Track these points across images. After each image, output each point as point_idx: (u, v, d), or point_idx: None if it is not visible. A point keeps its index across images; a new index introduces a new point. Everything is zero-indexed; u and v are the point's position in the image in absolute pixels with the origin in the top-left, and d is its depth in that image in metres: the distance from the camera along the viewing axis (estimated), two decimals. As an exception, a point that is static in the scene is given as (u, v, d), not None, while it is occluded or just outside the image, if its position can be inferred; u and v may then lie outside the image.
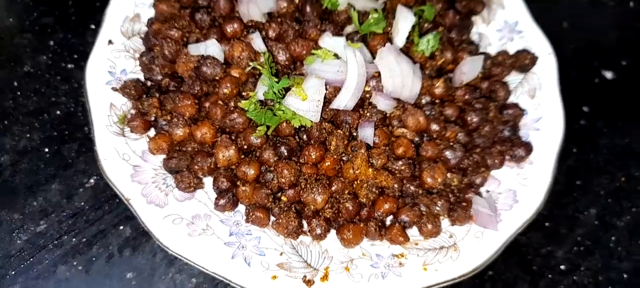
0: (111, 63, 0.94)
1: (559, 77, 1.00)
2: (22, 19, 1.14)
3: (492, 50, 1.04)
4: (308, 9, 0.90)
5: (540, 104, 0.97)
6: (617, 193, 1.02)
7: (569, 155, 1.05)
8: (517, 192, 0.88)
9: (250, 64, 0.85)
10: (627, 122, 1.11)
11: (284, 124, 0.83)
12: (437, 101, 0.91)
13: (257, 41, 0.88)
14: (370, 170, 0.81)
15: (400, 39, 0.87)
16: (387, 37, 0.89)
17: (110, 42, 0.95)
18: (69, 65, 1.09)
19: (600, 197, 1.02)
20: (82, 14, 1.15)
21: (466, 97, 0.91)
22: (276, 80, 0.83)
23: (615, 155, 1.07)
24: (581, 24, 1.27)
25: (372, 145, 0.83)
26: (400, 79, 0.83)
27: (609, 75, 1.18)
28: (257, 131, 0.81)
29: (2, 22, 1.14)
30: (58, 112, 1.03)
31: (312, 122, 0.82)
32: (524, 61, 0.99)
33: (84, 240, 0.90)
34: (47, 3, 1.17)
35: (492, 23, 1.07)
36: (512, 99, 0.99)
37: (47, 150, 0.99)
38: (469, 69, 0.90)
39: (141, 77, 0.95)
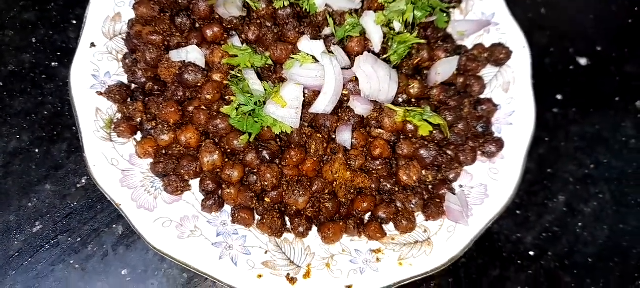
0: (95, 66, 0.95)
1: (532, 70, 1.03)
2: (3, 16, 1.14)
3: (468, 43, 1.07)
4: (288, 11, 0.92)
5: (514, 98, 1.00)
6: (585, 180, 1.08)
7: (541, 144, 1.10)
8: (488, 186, 0.93)
9: (231, 72, 0.87)
10: (598, 110, 1.16)
11: (266, 129, 0.87)
12: (413, 100, 0.95)
13: (235, 43, 0.90)
14: (348, 173, 0.85)
15: (375, 44, 0.90)
16: (364, 39, 0.91)
17: (92, 44, 0.96)
18: (53, 63, 1.10)
19: (569, 184, 1.08)
20: (63, 9, 1.15)
21: (441, 96, 0.94)
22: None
23: (585, 143, 1.12)
24: (559, 9, 1.29)
25: (350, 148, 0.87)
26: (378, 84, 0.86)
27: (583, 61, 1.21)
28: (240, 139, 0.84)
29: (-18, 18, 1.14)
30: (45, 112, 1.05)
31: (291, 128, 0.85)
32: (499, 55, 1.02)
33: (79, 239, 0.95)
34: (27, -2, 1.16)
35: (469, 14, 1.09)
36: (486, 93, 1.02)
37: (37, 151, 1.02)
38: (443, 69, 0.93)
39: (125, 79, 0.97)
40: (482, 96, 1.01)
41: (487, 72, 1.04)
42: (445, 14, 0.99)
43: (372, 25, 0.89)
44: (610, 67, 1.21)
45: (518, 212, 1.03)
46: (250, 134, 0.85)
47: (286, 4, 0.90)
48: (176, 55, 0.90)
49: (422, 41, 0.93)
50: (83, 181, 1.00)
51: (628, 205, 1.05)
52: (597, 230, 1.04)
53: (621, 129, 1.14)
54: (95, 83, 0.94)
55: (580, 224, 1.04)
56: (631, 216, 1.04)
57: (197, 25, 0.94)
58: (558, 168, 1.09)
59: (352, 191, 0.87)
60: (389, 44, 0.92)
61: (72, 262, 0.94)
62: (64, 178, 1.00)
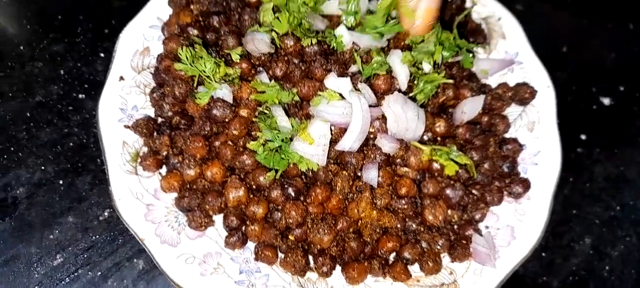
0: (123, 99, 0.97)
1: (557, 109, 1.03)
2: (33, 47, 1.17)
3: (492, 81, 1.07)
4: (315, 48, 0.93)
5: (539, 138, 1.00)
6: (611, 222, 1.06)
7: (565, 184, 1.09)
8: (515, 228, 0.91)
9: (258, 108, 0.88)
10: (622, 150, 1.15)
11: (291, 165, 0.87)
12: (439, 138, 0.94)
13: (263, 79, 0.91)
14: (374, 212, 0.84)
15: (402, 83, 0.90)
16: (390, 77, 0.92)
17: (121, 78, 0.98)
18: (80, 95, 1.12)
19: (594, 226, 1.06)
20: (92, 42, 1.18)
21: (467, 135, 0.94)
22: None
23: (610, 184, 1.10)
24: (580, 47, 1.29)
25: (376, 186, 0.87)
26: (405, 123, 0.86)
27: (606, 101, 1.21)
28: (266, 176, 0.84)
29: (13, 50, 1.16)
30: (71, 144, 1.06)
31: (318, 165, 0.85)
32: (523, 94, 1.02)
33: (99, 273, 0.94)
34: (56, 30, 1.19)
35: (493, 53, 1.10)
36: (511, 132, 1.02)
37: (61, 182, 1.02)
38: (469, 108, 0.93)
39: (152, 113, 0.98)
40: (507, 135, 1.01)
41: (512, 111, 1.04)
42: (470, 55, 0.99)
43: (398, 63, 0.90)
44: (633, 107, 1.21)
45: (544, 254, 1.01)
46: (276, 171, 0.85)
47: (314, 41, 0.91)
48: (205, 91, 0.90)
49: (450, 81, 0.93)
50: (106, 214, 1.00)
51: (657, 249, 1.03)
52: (625, 274, 1.01)
53: (647, 169, 1.13)
54: (122, 116, 0.95)
55: (607, 268, 1.02)
56: (660, 260, 1.02)
57: (226, 62, 0.95)
58: (583, 209, 1.07)
59: (377, 230, 0.86)
60: (415, 82, 0.93)
61: (92, 296, 0.93)
62: (87, 210, 1.00)
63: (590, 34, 1.32)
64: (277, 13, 0.91)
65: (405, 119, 0.86)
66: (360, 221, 0.87)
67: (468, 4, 1.12)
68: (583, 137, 1.15)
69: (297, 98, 0.90)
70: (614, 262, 1.02)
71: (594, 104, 1.20)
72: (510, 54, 1.09)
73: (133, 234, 0.86)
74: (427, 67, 0.93)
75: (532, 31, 1.28)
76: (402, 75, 0.90)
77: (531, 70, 1.06)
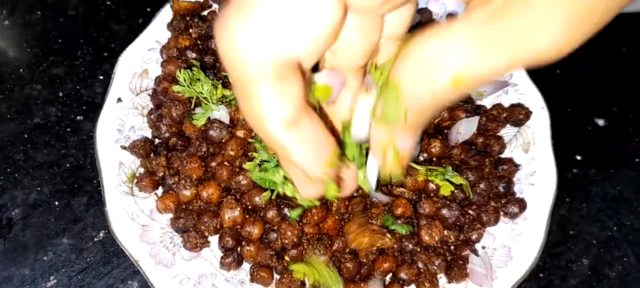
0: (120, 121, 0.97)
1: (552, 130, 1.04)
2: (32, 70, 1.18)
3: (487, 103, 1.08)
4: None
5: (534, 158, 1.00)
6: (608, 243, 1.06)
7: (562, 205, 1.09)
8: (512, 248, 0.91)
9: (255, 128, 0.88)
10: (618, 170, 1.15)
11: (287, 186, 0.87)
12: (434, 159, 0.95)
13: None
14: (365, 239, 0.84)
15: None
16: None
17: (119, 100, 0.99)
18: (79, 117, 1.12)
19: (592, 247, 1.05)
20: (91, 65, 1.19)
21: (462, 156, 0.94)
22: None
23: (607, 204, 1.10)
24: (574, 70, 1.31)
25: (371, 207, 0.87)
26: (399, 143, 0.86)
27: (601, 122, 1.22)
28: (262, 196, 0.84)
29: (13, 72, 1.17)
30: (67, 165, 1.06)
31: (314, 185, 0.85)
32: (518, 116, 1.03)
33: (93, 295, 0.93)
34: (56, 54, 1.20)
35: (487, 75, 1.11)
36: (506, 153, 1.03)
37: (57, 203, 1.02)
38: (464, 129, 0.94)
39: (149, 133, 0.98)
40: (502, 156, 1.01)
41: (507, 132, 1.04)
42: None
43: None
44: (628, 128, 1.21)
45: (541, 274, 1.01)
46: (272, 191, 0.85)
47: (310, 64, 0.93)
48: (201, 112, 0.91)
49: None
50: (101, 235, 0.99)
51: (655, 270, 1.03)
52: (624, 296, 1.00)
53: (643, 190, 1.13)
54: (119, 137, 0.96)
55: (606, 289, 1.01)
56: (659, 281, 1.01)
57: (223, 84, 0.97)
58: (580, 230, 1.07)
59: (373, 251, 0.86)
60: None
61: (85, 318, 0.92)
62: (82, 231, 1.00)
63: (584, 57, 1.34)
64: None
65: (400, 139, 0.86)
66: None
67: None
68: (578, 157, 1.16)
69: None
70: (612, 282, 1.01)
71: (589, 125, 1.21)
72: (505, 75, 1.10)
73: (128, 255, 0.86)
74: None
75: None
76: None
77: (525, 91, 1.07)
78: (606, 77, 1.30)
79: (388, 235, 0.84)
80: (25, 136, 1.09)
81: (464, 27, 0.38)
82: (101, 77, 1.18)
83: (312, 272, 0.81)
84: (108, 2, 1.30)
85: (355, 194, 0.88)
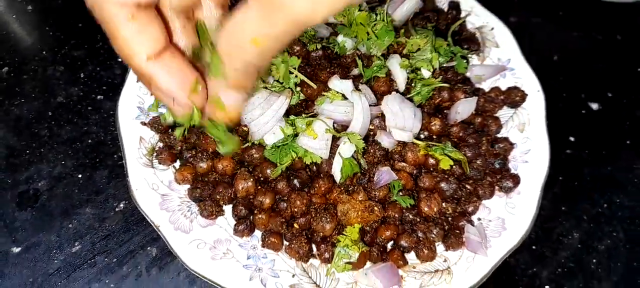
0: (140, 99, 1.04)
1: (547, 111, 1.09)
2: (55, 52, 1.25)
3: (486, 86, 1.14)
4: (319, 53, 1.00)
5: (529, 138, 1.06)
6: (598, 219, 1.12)
7: (555, 183, 1.15)
8: (506, 220, 0.97)
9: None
10: (609, 152, 1.21)
11: (297, 159, 0.93)
12: (434, 136, 1.01)
13: (271, 81, 0.99)
14: (353, 215, 0.90)
15: (400, 85, 0.97)
16: (389, 79, 0.99)
17: (138, 79, 1.05)
18: (99, 97, 1.19)
19: (583, 222, 1.11)
20: (110, 48, 1.24)
21: (460, 133, 1.00)
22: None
23: (598, 183, 1.16)
24: (571, 57, 1.36)
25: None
26: (403, 121, 0.92)
27: (594, 106, 1.27)
28: (274, 170, 0.91)
29: (36, 54, 1.24)
30: (89, 141, 1.13)
31: (321, 158, 0.92)
32: (514, 98, 1.09)
33: (115, 260, 1.00)
34: (77, 37, 1.27)
35: (487, 60, 1.17)
36: (503, 133, 1.09)
37: (80, 176, 1.09)
38: (463, 109, 1.00)
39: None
40: (499, 135, 1.07)
41: (504, 113, 1.11)
42: (464, 60, 1.06)
43: (397, 68, 0.97)
44: (620, 112, 1.27)
45: (534, 247, 1.07)
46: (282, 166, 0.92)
47: (318, 47, 0.99)
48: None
49: (446, 85, 1.00)
50: (121, 205, 1.06)
51: (642, 244, 1.09)
52: (611, 267, 1.06)
53: (633, 170, 1.18)
54: (140, 114, 1.02)
55: (594, 261, 1.07)
56: (645, 255, 1.07)
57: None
58: (572, 206, 1.13)
59: (377, 220, 0.92)
60: (413, 84, 1.00)
61: (107, 281, 0.99)
62: (104, 202, 1.07)
63: (580, 45, 1.39)
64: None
65: (402, 117, 0.93)
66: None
67: (462, 14, 1.20)
68: (572, 139, 1.22)
69: (303, 97, 0.97)
70: (601, 255, 1.07)
71: (583, 109, 1.27)
72: (503, 60, 1.16)
73: (149, 222, 0.93)
74: (426, 73, 1.00)
75: (525, 41, 1.36)
76: (400, 78, 0.97)
77: (522, 75, 1.13)
78: (602, 63, 1.36)
79: (376, 209, 0.90)
80: (50, 114, 1.16)
81: (254, 2, 0.53)
82: (120, 60, 1.24)
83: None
84: (125, -11, 1.36)
85: (356, 172, 0.94)
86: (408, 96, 0.99)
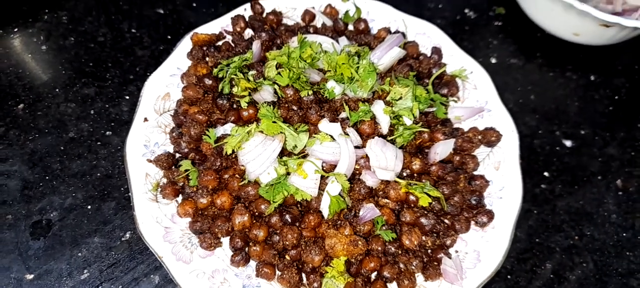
0: (146, 138, 1.13)
1: (522, 149, 1.19)
2: (67, 90, 1.34)
3: (465, 125, 1.24)
4: (311, 97, 1.10)
5: (503, 175, 1.15)
6: (570, 250, 1.20)
7: (530, 216, 1.24)
8: (481, 252, 1.06)
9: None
10: (581, 186, 1.30)
11: (289, 196, 1.02)
12: (415, 175, 1.10)
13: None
14: (340, 247, 0.98)
15: (384, 128, 1.07)
16: (374, 122, 1.08)
17: (145, 119, 1.15)
18: (108, 132, 1.28)
19: (555, 253, 1.20)
20: (118, 86, 1.36)
21: (439, 172, 1.10)
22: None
23: (570, 216, 1.25)
24: (547, 96, 1.46)
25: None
26: (385, 162, 1.02)
27: (568, 143, 1.37)
28: (268, 206, 1.00)
29: (49, 92, 1.34)
30: (98, 174, 1.22)
31: (311, 196, 1.01)
32: (490, 138, 1.18)
33: (121, 287, 1.09)
34: (88, 76, 1.37)
35: (466, 101, 1.27)
36: (480, 170, 1.18)
37: (89, 207, 1.18)
38: (441, 150, 1.09)
39: (171, 149, 1.14)
40: (475, 173, 1.17)
41: (481, 152, 1.20)
42: (443, 106, 1.16)
43: (381, 112, 1.07)
44: (593, 149, 1.36)
45: (509, 277, 1.15)
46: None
47: (310, 92, 1.09)
48: (218, 130, 1.07)
49: (425, 130, 1.10)
50: (127, 235, 1.15)
51: (609, 274, 1.17)
52: (582, 297, 1.15)
53: (603, 204, 1.27)
54: (146, 152, 1.12)
55: (566, 290, 1.15)
56: (612, 284, 1.16)
57: (235, 106, 1.12)
58: (546, 238, 1.21)
59: (361, 253, 1.01)
60: (396, 127, 1.09)
61: (114, 306, 1.07)
62: (111, 232, 1.15)
63: (557, 84, 1.49)
64: (279, 69, 1.09)
65: (385, 158, 1.02)
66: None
67: (444, 60, 1.30)
68: (546, 174, 1.31)
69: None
70: (571, 285, 1.16)
71: (558, 146, 1.36)
72: (481, 102, 1.25)
73: (152, 252, 1.02)
74: (408, 121, 1.09)
75: (504, 81, 1.47)
76: (383, 122, 1.06)
77: (498, 116, 1.23)
78: (577, 102, 1.46)
79: (360, 243, 0.99)
80: (61, 148, 1.25)
81: None
82: (127, 97, 1.34)
83: None
84: (133, 30, 1.47)
85: (343, 208, 1.03)
86: (391, 138, 1.08)
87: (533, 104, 1.44)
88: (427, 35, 1.34)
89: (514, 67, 1.51)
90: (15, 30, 1.44)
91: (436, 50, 1.30)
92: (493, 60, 1.51)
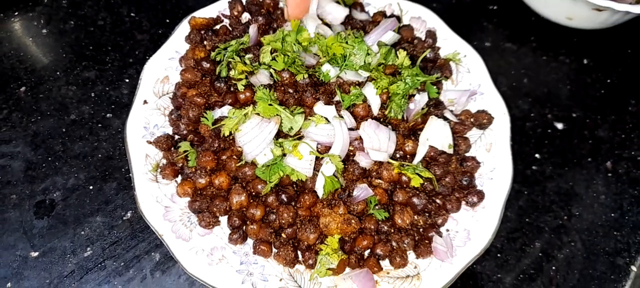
0: (146, 120, 1.16)
1: (514, 131, 1.21)
2: (68, 73, 1.37)
3: (457, 108, 1.26)
4: (306, 80, 1.12)
5: (494, 157, 1.18)
6: (559, 230, 1.24)
7: (520, 196, 1.27)
8: (471, 231, 1.09)
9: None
10: (571, 168, 1.33)
11: (285, 176, 1.05)
12: (408, 156, 1.13)
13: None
14: (334, 226, 1.01)
15: (374, 109, 1.10)
16: (368, 105, 1.11)
17: (145, 102, 1.17)
18: (108, 115, 1.31)
19: (544, 233, 1.23)
20: (118, 70, 1.38)
21: (431, 153, 1.13)
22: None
23: (560, 197, 1.28)
24: (540, 79, 1.48)
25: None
26: (378, 143, 1.05)
27: (560, 126, 1.40)
28: (264, 186, 1.03)
29: (51, 75, 1.36)
30: (100, 155, 1.25)
31: (306, 176, 1.04)
32: (482, 120, 1.21)
33: (123, 264, 1.12)
34: (88, 59, 1.39)
35: (459, 84, 1.29)
36: (472, 152, 1.21)
37: (91, 188, 1.21)
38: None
39: (170, 131, 1.17)
40: (467, 154, 1.19)
41: (472, 134, 1.22)
42: (434, 86, 1.18)
43: (372, 94, 1.09)
44: (583, 132, 1.39)
45: (499, 255, 1.19)
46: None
47: (305, 75, 1.11)
48: (216, 113, 1.10)
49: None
50: (128, 214, 1.18)
51: (597, 253, 1.21)
52: (569, 274, 1.18)
53: (592, 185, 1.30)
54: (145, 133, 1.15)
55: (553, 268, 1.19)
56: (599, 263, 1.19)
57: (232, 89, 1.15)
58: (535, 218, 1.25)
59: (354, 231, 1.04)
60: (387, 103, 1.12)
61: (116, 283, 1.11)
62: (113, 211, 1.19)
63: (549, 68, 1.51)
64: (274, 54, 1.11)
65: (378, 140, 1.05)
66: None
67: (438, 43, 1.32)
68: (538, 156, 1.34)
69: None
70: (559, 263, 1.19)
71: (549, 128, 1.39)
72: (474, 85, 1.28)
73: (153, 231, 1.05)
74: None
75: (498, 64, 1.49)
76: (374, 104, 1.09)
77: (491, 99, 1.25)
78: (569, 85, 1.48)
79: (353, 222, 1.02)
80: (63, 130, 1.28)
81: None
82: (127, 80, 1.37)
83: None
84: (132, 14, 1.49)
85: (337, 188, 1.06)
86: (385, 112, 1.11)
87: (526, 87, 1.46)
88: (422, 19, 1.36)
89: (508, 51, 1.53)
90: (16, 14, 1.46)
91: (430, 34, 1.32)
92: (487, 44, 1.53)
